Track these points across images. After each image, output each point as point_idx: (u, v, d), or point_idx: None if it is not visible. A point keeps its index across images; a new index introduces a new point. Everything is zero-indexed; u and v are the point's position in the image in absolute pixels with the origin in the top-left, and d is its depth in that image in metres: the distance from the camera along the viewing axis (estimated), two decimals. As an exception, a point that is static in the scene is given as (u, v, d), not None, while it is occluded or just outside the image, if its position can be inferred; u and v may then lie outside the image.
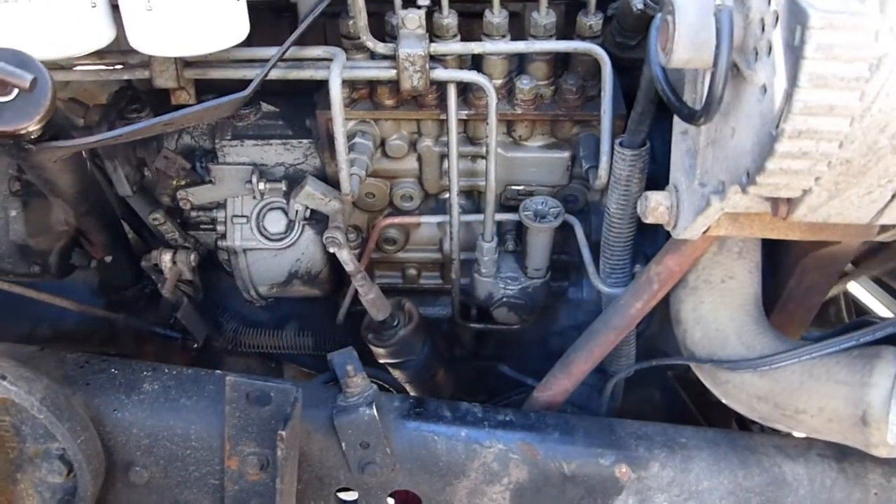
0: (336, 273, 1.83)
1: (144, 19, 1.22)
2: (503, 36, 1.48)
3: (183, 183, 1.76)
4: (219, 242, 1.78)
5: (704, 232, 1.18)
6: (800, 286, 1.49)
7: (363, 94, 1.60)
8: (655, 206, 1.24)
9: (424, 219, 1.78)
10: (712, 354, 1.39)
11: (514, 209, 1.69)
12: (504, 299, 1.78)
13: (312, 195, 1.64)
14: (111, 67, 1.47)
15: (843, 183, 0.91)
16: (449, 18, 1.46)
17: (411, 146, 1.69)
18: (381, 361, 1.78)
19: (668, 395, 2.01)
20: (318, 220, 1.74)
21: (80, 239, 1.71)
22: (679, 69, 1.11)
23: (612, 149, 1.46)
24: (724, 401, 1.43)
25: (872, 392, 1.21)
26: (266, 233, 1.75)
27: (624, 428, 1.52)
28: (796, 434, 1.46)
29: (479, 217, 1.71)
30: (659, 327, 1.73)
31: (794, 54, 0.82)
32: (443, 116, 1.57)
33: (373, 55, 1.50)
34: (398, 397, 1.61)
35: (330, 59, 1.45)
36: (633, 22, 1.48)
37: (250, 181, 1.69)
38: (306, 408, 1.44)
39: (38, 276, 1.66)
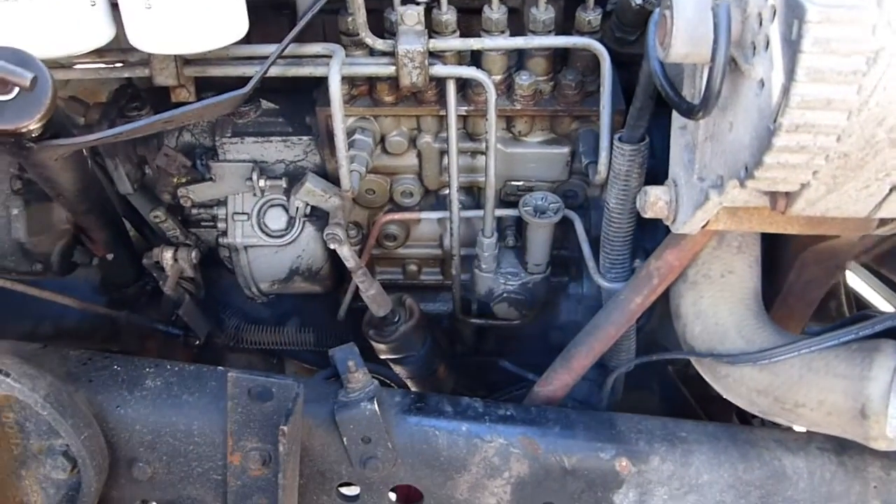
0: (337, 269, 1.83)
1: (144, 17, 1.23)
2: (502, 32, 1.48)
3: (184, 180, 1.76)
4: (220, 239, 1.78)
5: (704, 226, 1.19)
6: (799, 280, 1.50)
7: (363, 90, 1.60)
8: (655, 201, 1.25)
9: (425, 215, 1.78)
10: (712, 349, 1.39)
11: (514, 205, 1.69)
12: (504, 295, 1.78)
13: (313, 192, 1.64)
14: (111, 66, 1.47)
15: (841, 177, 0.91)
16: (448, 15, 1.47)
17: (411, 142, 1.69)
18: (383, 357, 1.79)
19: (668, 389, 2.02)
20: (318, 217, 1.74)
21: (82, 237, 1.71)
22: (677, 64, 1.11)
23: (612, 144, 1.46)
24: (724, 395, 1.43)
25: (871, 385, 1.22)
26: (267, 229, 1.75)
27: (624, 422, 1.53)
28: (796, 428, 1.47)
29: (479, 213, 1.71)
30: (659, 322, 1.73)
31: (792, 48, 0.82)
32: (442, 112, 1.58)
33: (372, 52, 1.49)
34: (399, 392, 1.61)
35: (329, 56, 1.45)
36: (632, 17, 1.48)
37: (251, 178, 1.69)
38: (308, 403, 1.45)
39: (40, 274, 1.67)
